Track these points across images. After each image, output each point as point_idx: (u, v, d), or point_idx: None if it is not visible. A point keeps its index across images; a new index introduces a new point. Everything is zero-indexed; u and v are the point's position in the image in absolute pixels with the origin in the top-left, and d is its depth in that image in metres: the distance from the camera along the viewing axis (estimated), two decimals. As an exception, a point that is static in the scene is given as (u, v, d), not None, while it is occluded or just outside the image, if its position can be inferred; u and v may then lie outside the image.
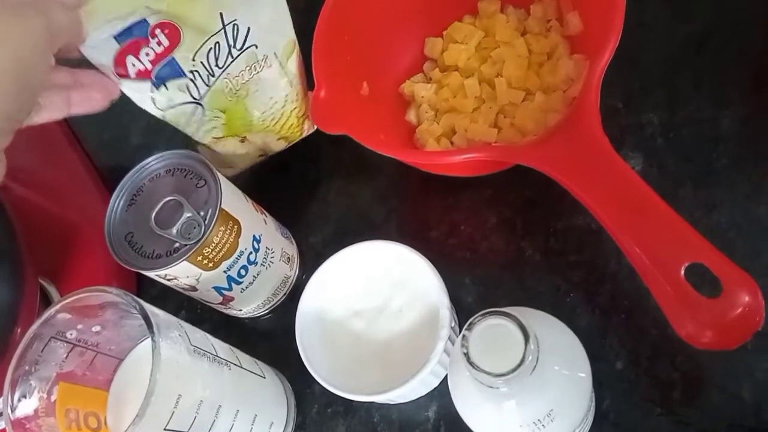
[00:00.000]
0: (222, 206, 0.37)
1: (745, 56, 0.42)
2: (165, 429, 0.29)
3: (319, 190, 0.49)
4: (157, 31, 0.36)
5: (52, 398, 0.32)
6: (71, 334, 0.33)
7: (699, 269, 0.30)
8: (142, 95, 0.38)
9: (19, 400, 0.31)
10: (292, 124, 0.46)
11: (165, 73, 0.38)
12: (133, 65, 0.36)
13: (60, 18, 0.30)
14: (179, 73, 0.38)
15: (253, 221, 0.41)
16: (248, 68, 0.41)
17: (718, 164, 0.40)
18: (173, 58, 0.37)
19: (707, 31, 0.44)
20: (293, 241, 0.47)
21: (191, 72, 0.39)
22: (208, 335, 0.35)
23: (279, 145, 0.47)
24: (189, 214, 0.37)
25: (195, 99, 0.40)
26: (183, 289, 0.40)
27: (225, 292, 0.41)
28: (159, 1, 0.35)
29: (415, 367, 0.35)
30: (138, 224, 0.39)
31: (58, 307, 0.31)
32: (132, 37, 0.35)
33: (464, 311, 0.41)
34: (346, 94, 0.43)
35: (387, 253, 0.39)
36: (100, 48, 0.35)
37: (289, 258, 0.45)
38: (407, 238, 0.41)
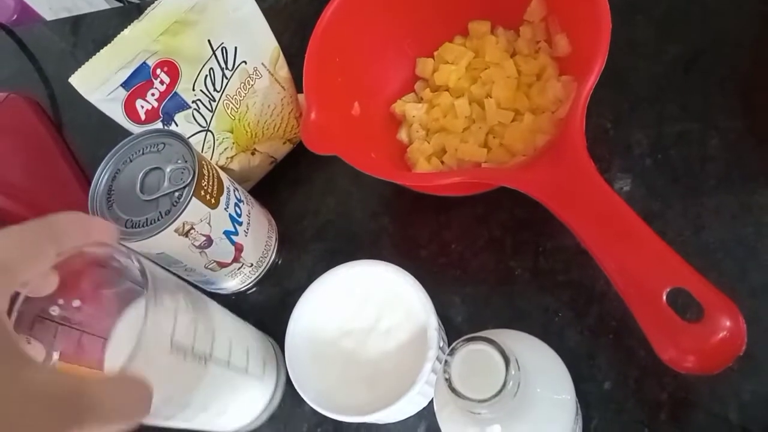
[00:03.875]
0: (196, 155, 0.38)
1: (732, 77, 0.43)
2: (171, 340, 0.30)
3: (311, 208, 0.50)
4: (158, 71, 0.38)
5: None
6: (54, 311, 0.32)
7: (684, 292, 0.30)
8: None
9: None
10: (292, 126, 0.49)
11: (171, 107, 0.40)
12: (142, 107, 0.39)
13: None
14: (183, 105, 0.41)
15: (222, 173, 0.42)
16: (243, 84, 0.44)
17: (706, 184, 0.40)
18: (176, 93, 0.40)
19: (695, 51, 0.44)
20: None
21: (194, 102, 0.41)
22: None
23: (286, 149, 0.50)
24: (171, 167, 0.38)
25: (203, 127, 0.42)
26: (200, 246, 0.40)
27: (235, 239, 0.42)
28: (154, 42, 0.37)
29: (403, 387, 0.35)
30: (127, 203, 0.38)
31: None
32: (137, 82, 0.38)
33: (454, 330, 0.41)
34: (337, 114, 0.44)
35: (376, 273, 0.40)
36: (112, 98, 0.37)
37: (264, 210, 0.47)
38: (398, 256, 0.41)
